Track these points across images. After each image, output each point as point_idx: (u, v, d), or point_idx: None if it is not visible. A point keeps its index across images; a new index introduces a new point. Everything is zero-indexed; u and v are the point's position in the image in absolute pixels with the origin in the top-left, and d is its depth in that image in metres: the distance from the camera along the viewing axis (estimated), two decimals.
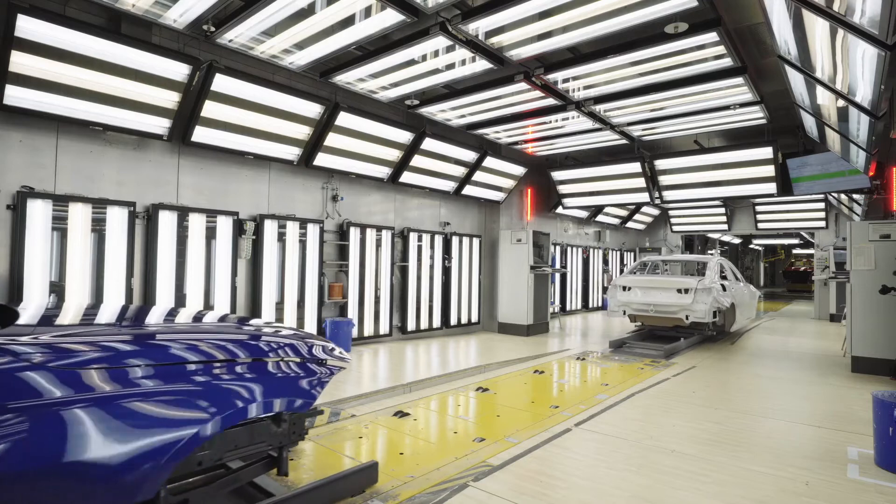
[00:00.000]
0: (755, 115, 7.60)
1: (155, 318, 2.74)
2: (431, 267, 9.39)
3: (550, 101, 7.14)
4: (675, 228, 16.56)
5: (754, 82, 6.32)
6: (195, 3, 4.60)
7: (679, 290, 8.46)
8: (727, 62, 5.69)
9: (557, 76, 6.25)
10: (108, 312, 2.86)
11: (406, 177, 8.42)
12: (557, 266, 12.71)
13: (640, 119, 7.91)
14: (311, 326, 7.29)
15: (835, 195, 11.34)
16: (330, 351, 2.78)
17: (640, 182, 10.39)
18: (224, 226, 6.36)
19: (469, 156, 9.21)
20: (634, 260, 17.52)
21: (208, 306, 6.22)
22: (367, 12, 4.73)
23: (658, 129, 8.49)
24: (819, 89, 4.86)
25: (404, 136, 7.97)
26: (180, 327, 2.48)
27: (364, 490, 3.02)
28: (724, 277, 9.41)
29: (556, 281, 12.61)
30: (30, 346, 1.67)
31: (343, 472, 2.99)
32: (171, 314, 2.87)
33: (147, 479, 1.77)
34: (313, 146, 6.98)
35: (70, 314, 2.72)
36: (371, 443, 3.87)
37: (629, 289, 9.05)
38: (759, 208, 14.23)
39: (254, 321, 2.99)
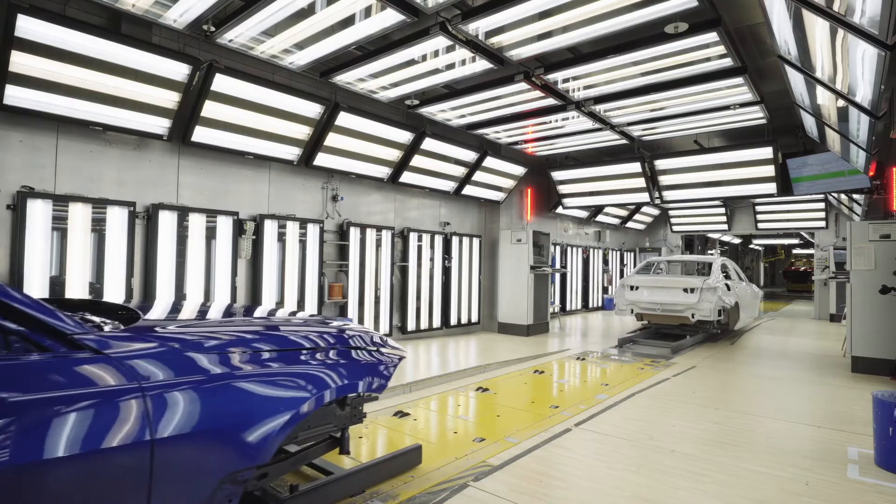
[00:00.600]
0: (755, 115, 7.60)
1: (262, 313, 3.07)
2: (431, 267, 9.39)
3: (550, 101, 7.14)
4: (675, 228, 16.56)
5: (754, 82, 6.32)
6: (195, 2, 4.60)
7: (685, 290, 8.73)
8: (727, 62, 5.69)
9: (557, 76, 6.25)
10: (220, 309, 3.17)
11: (406, 177, 8.42)
12: (557, 266, 12.72)
13: (640, 119, 7.91)
14: None
15: (835, 195, 11.34)
16: (387, 343, 3.03)
17: (640, 182, 10.39)
18: (224, 226, 6.36)
19: (469, 156, 9.21)
20: (634, 260, 17.56)
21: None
22: (367, 12, 4.73)
23: (658, 129, 8.48)
24: (819, 89, 4.86)
25: (404, 136, 7.97)
26: (288, 320, 2.81)
27: (411, 469, 3.33)
28: (727, 277, 9.71)
29: (556, 281, 12.62)
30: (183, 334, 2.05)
31: (393, 452, 3.35)
32: (272, 312, 3.17)
33: (267, 445, 2.05)
34: (313, 146, 6.98)
35: (192, 311, 3.01)
36: (371, 443, 3.87)
37: (637, 288, 9.33)
38: (759, 208, 14.23)
39: (321, 316, 3.27)
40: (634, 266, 17.32)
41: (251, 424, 1.99)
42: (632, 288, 9.42)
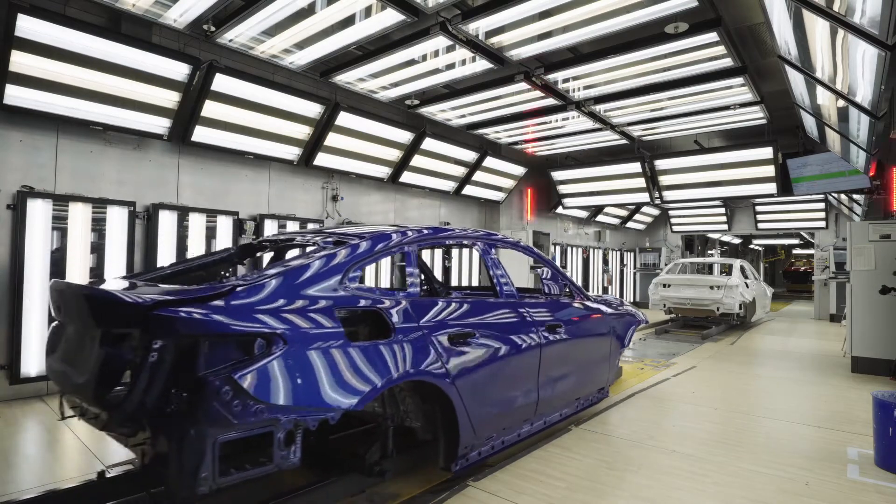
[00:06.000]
0: (755, 115, 7.60)
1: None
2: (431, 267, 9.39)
3: (550, 101, 7.14)
4: (675, 228, 16.56)
5: (754, 82, 6.33)
6: (195, 2, 4.60)
7: (711, 287, 10.31)
8: (727, 62, 5.69)
9: (557, 76, 6.26)
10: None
11: (406, 177, 8.42)
12: (557, 266, 12.74)
13: (640, 119, 7.91)
14: None
15: (835, 195, 11.34)
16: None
17: (640, 182, 10.39)
18: (224, 225, 6.35)
19: (469, 156, 9.21)
20: (635, 260, 17.66)
21: None
22: (367, 12, 4.73)
23: (658, 129, 8.49)
24: (819, 89, 4.86)
25: (404, 136, 7.97)
26: (598, 297, 4.92)
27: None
28: (745, 277, 11.21)
29: None
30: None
31: None
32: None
33: (629, 339, 5.01)
34: (313, 146, 6.98)
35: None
36: None
37: (668, 286, 10.93)
38: (759, 208, 14.22)
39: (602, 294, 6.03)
40: (635, 266, 17.45)
41: (622, 330, 4.79)
42: (664, 286, 10.83)
